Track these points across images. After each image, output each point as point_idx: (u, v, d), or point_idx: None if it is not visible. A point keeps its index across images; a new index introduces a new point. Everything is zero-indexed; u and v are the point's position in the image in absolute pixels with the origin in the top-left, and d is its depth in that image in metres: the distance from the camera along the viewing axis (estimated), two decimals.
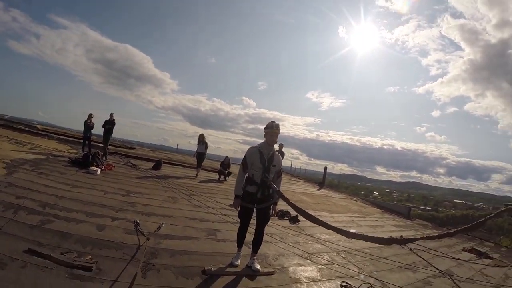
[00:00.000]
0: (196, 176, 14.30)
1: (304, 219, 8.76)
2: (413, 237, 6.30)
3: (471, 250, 9.19)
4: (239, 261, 4.88)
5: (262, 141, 4.90)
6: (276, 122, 4.78)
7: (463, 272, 6.88)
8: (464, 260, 7.89)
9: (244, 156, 4.83)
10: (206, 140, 14.64)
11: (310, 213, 5.36)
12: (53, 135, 19.63)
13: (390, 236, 8.75)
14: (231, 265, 4.79)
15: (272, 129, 4.74)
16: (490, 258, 8.65)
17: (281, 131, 4.85)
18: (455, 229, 5.02)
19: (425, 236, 5.72)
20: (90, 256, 4.06)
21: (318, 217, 9.51)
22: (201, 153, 14.47)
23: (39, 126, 23.62)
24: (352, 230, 8.86)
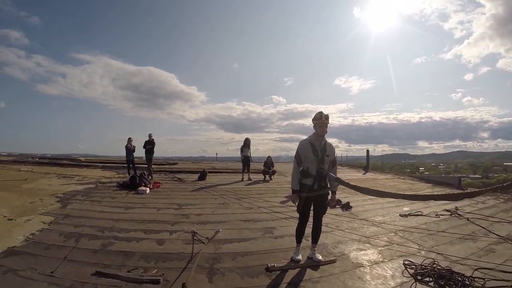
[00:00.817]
0: (242, 180, 14.36)
1: (355, 204, 8.61)
2: (478, 190, 6.00)
3: None
4: (300, 255, 4.81)
5: (312, 133, 4.79)
6: (327, 114, 4.66)
7: None
8: None
9: (297, 150, 4.75)
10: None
11: (374, 190, 5.23)
12: (97, 164, 20.30)
13: (444, 209, 8.49)
14: (293, 260, 4.73)
15: (321, 120, 4.62)
16: None
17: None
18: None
19: (488, 188, 5.39)
20: (156, 270, 4.11)
21: (368, 199, 9.37)
22: (247, 156, 14.51)
23: (82, 159, 24.49)
24: (405, 208, 8.69)
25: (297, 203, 4.82)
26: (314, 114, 4.76)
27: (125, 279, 3.76)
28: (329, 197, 4.94)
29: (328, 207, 5.07)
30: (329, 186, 4.84)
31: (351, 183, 5.13)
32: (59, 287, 3.51)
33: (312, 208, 4.84)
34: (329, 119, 4.66)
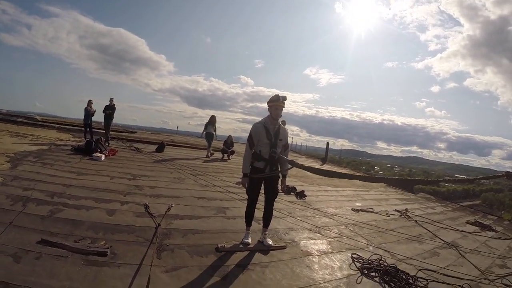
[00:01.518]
0: (206, 156, 14.49)
1: (310, 194, 8.84)
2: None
3: (474, 223, 9.27)
4: (249, 238, 4.88)
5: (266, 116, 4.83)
6: (284, 95, 4.70)
7: (468, 243, 6.94)
8: (468, 232, 7.95)
9: (250, 133, 4.76)
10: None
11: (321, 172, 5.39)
12: (53, 124, 19.65)
13: (395, 209, 8.88)
14: (243, 243, 4.80)
15: (277, 102, 4.63)
16: (493, 230, 8.71)
17: None
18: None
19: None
20: (103, 242, 4.08)
21: (323, 191, 9.68)
22: (210, 133, 14.60)
23: (38, 117, 23.61)
24: (358, 204, 9.07)
25: (246, 187, 4.88)
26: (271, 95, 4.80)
27: (71, 249, 3.71)
28: (280, 180, 5.02)
29: (281, 192, 5.17)
30: (280, 169, 4.93)
31: (305, 165, 5.25)
32: (2, 254, 3.41)
33: (263, 192, 4.92)
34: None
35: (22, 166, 7.58)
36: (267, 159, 4.71)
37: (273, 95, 4.74)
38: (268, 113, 4.78)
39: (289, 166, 4.97)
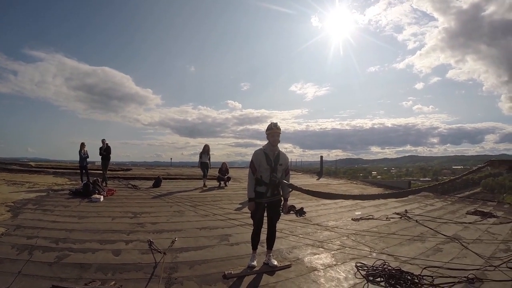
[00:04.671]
0: (203, 186, 14.55)
1: (309, 210, 8.94)
2: (418, 188, 6.64)
3: (475, 212, 9.44)
4: (255, 261, 4.97)
5: (266, 142, 5.02)
6: (276, 122, 4.92)
7: (470, 234, 7.07)
8: (469, 223, 8.11)
9: (251, 160, 4.94)
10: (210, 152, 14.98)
11: (324, 194, 5.53)
12: (48, 169, 19.60)
13: (394, 213, 8.97)
14: (249, 267, 4.88)
15: (272, 130, 4.86)
16: (494, 216, 8.89)
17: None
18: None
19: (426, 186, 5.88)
20: (113, 282, 4.14)
21: (322, 205, 9.78)
22: (205, 163, 14.75)
23: (32, 163, 23.57)
24: (357, 213, 9.16)
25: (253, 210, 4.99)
26: (267, 125, 5.01)
27: None
28: (282, 203, 5.16)
29: (282, 213, 5.29)
30: (281, 193, 5.07)
31: (304, 188, 5.38)
32: None
33: (266, 214, 5.04)
34: (281, 128, 4.93)
35: (23, 214, 7.62)
36: (267, 184, 4.87)
37: (269, 124, 4.98)
38: (268, 141, 4.97)
39: (290, 189, 5.15)
